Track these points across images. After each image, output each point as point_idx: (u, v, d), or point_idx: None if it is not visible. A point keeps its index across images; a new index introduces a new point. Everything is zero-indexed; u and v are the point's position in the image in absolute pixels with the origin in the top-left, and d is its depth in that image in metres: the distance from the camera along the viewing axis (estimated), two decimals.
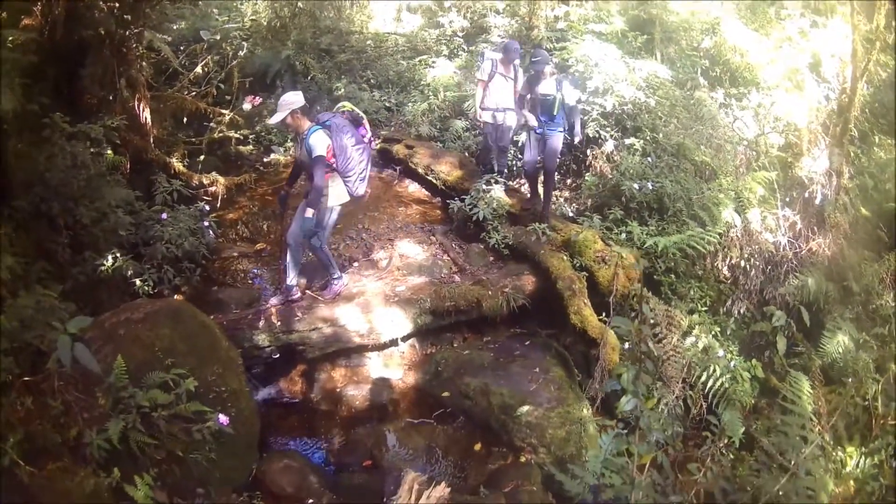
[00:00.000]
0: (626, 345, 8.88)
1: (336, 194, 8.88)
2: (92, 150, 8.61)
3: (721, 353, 10.07)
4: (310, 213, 8.53)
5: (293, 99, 8.53)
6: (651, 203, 11.36)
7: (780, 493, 4.88)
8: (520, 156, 11.76)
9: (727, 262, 11.67)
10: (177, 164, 11.45)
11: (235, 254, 10.79)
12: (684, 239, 9.96)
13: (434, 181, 12.94)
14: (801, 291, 11.49)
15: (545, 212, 10.66)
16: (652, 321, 9.39)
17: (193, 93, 12.94)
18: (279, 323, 8.75)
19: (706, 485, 5.31)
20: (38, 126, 7.85)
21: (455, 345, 9.85)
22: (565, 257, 10.03)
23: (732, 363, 10.02)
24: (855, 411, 9.03)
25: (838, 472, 7.50)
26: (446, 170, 12.75)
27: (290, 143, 13.85)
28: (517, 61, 11.50)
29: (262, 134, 14.63)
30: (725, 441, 8.66)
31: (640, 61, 14.10)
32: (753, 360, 10.38)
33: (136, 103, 10.38)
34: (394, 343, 9.41)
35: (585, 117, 12.50)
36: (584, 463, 5.27)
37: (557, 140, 10.63)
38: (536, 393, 8.47)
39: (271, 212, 11.73)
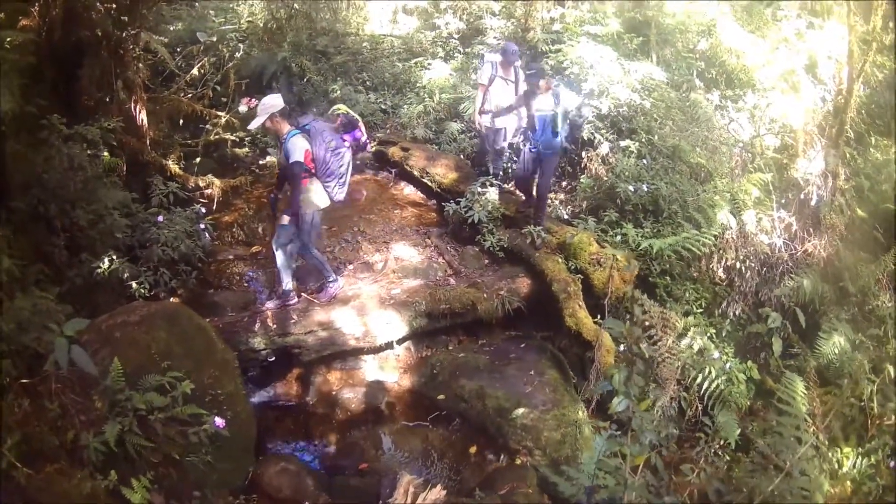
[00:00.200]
0: (622, 347, 8.89)
1: (315, 199, 8.83)
2: (89, 152, 8.62)
3: (716, 354, 10.07)
4: (285, 219, 8.54)
5: (272, 102, 8.49)
6: (646, 205, 11.37)
7: (775, 493, 4.89)
8: (515, 158, 11.71)
9: (723, 263, 11.69)
10: (173, 166, 11.44)
11: (231, 256, 10.80)
12: (679, 241, 10.05)
13: (429, 184, 12.94)
14: (797, 293, 11.53)
15: (539, 219, 10.60)
16: (647, 323, 9.40)
17: (190, 95, 12.95)
18: (275, 326, 8.77)
19: (700, 485, 5.32)
20: (36, 128, 7.86)
21: (450, 347, 9.87)
22: (560, 260, 10.06)
23: (728, 365, 10.03)
24: (851, 412, 9.05)
25: (835, 473, 7.51)
26: (442, 172, 12.75)
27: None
28: (517, 63, 11.45)
29: (258, 136, 14.59)
30: (721, 442, 8.67)
31: (635, 63, 14.09)
32: (749, 362, 10.40)
33: (133, 105, 10.38)
34: (389, 346, 9.44)
35: (581, 120, 12.52)
36: (579, 465, 5.28)
37: (552, 162, 10.54)
38: (532, 395, 8.49)
39: (266, 214, 11.71)
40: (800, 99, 14.72)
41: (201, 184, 11.88)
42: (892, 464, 7.54)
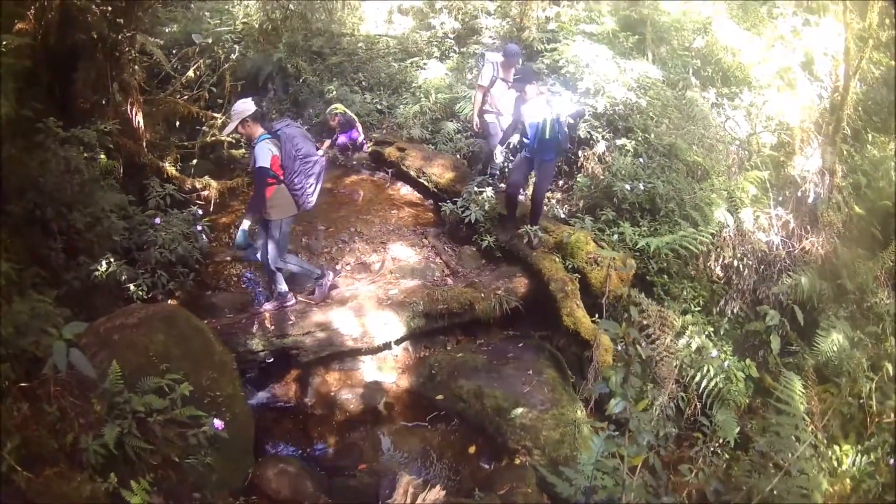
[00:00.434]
0: (620, 346, 8.89)
1: (282, 206, 8.69)
2: (85, 154, 8.60)
3: (715, 353, 10.08)
4: (245, 224, 8.48)
5: (243, 108, 8.39)
6: (643, 204, 11.38)
7: (774, 492, 4.90)
8: (512, 158, 11.67)
9: (720, 261, 11.70)
10: (169, 168, 11.44)
11: (229, 258, 10.78)
12: (676, 239, 10.05)
13: (426, 184, 12.94)
14: (795, 290, 11.55)
15: (534, 221, 10.51)
16: (644, 322, 9.41)
17: (186, 96, 12.92)
18: (273, 327, 8.76)
19: (699, 485, 5.33)
20: (32, 131, 7.84)
21: (448, 347, 9.86)
22: (557, 259, 10.05)
23: (726, 363, 10.03)
24: (850, 409, 9.06)
25: (834, 471, 7.52)
26: (438, 172, 12.75)
27: None
28: (518, 64, 11.38)
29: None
30: (720, 441, 8.68)
31: (631, 62, 14.09)
32: (747, 360, 10.39)
33: (129, 107, 10.37)
34: (387, 346, 9.43)
35: (577, 122, 12.52)
36: (578, 465, 5.28)
37: (549, 168, 10.34)
38: (530, 395, 8.48)
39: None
40: (796, 96, 14.75)
41: (198, 185, 11.89)
42: (891, 461, 7.55)
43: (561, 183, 13.27)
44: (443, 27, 19.11)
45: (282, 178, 8.51)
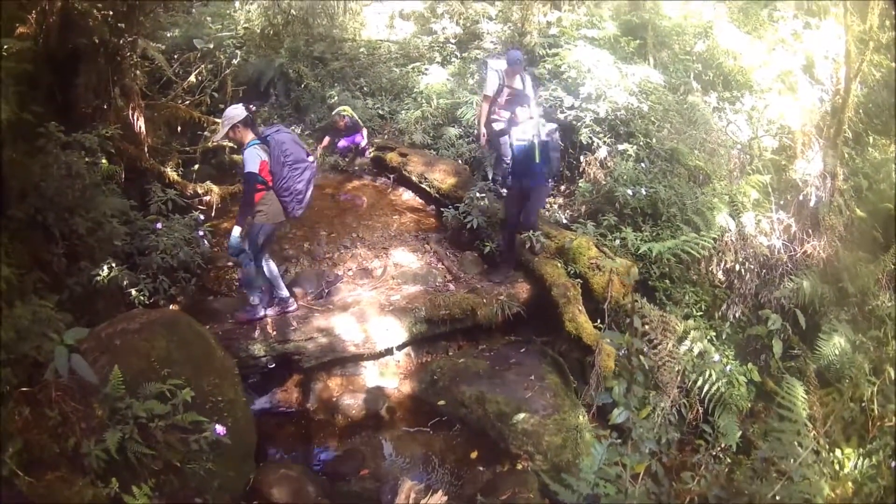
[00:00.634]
0: (622, 352, 8.88)
1: (270, 212, 8.61)
2: (87, 159, 8.56)
3: (717, 357, 10.06)
4: (236, 230, 8.46)
5: (233, 113, 8.36)
6: (645, 209, 11.37)
7: (776, 498, 4.89)
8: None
9: (722, 266, 11.68)
10: (171, 173, 11.43)
11: (230, 263, 10.77)
12: (679, 244, 10.03)
13: (428, 189, 12.96)
14: (797, 294, 11.53)
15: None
16: (646, 327, 9.40)
17: (187, 101, 12.92)
18: (274, 333, 8.77)
19: (701, 491, 5.32)
20: (33, 136, 7.83)
21: (450, 353, 9.86)
22: (559, 264, 10.05)
23: (728, 367, 10.02)
24: (852, 413, 9.05)
25: (836, 474, 7.50)
26: (440, 178, 12.75)
27: None
28: (522, 70, 11.30)
29: None
30: (722, 446, 8.67)
31: (632, 66, 14.11)
32: (749, 364, 10.38)
33: (131, 112, 10.36)
34: (389, 352, 9.43)
35: (578, 123, 12.48)
36: (580, 472, 5.27)
37: (540, 193, 10.25)
38: (532, 400, 8.48)
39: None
40: (797, 99, 14.75)
41: (200, 190, 11.89)
42: (893, 464, 7.53)
43: (563, 188, 13.28)
44: (444, 32, 19.13)
45: (270, 184, 8.46)
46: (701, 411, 9.68)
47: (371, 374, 9.32)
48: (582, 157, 12.86)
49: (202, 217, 10.69)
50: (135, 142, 10.60)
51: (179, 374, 6.50)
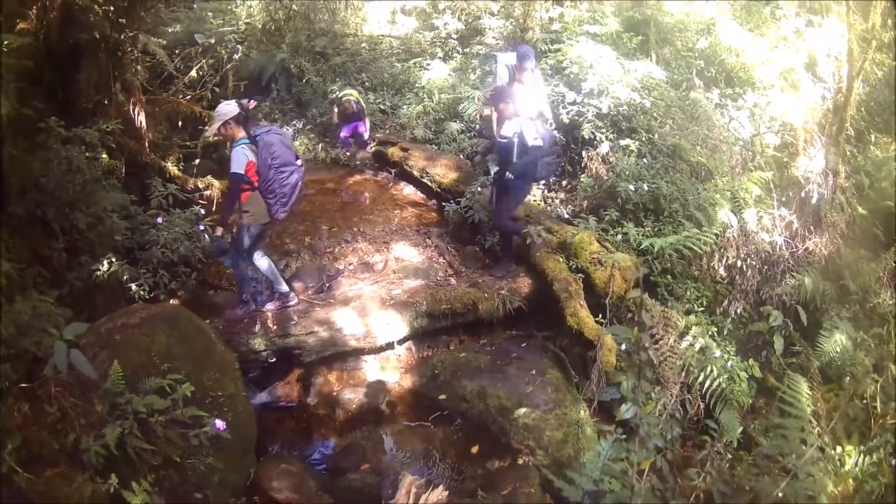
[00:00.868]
0: (623, 346, 8.86)
1: (256, 213, 8.59)
2: (87, 154, 8.58)
3: (718, 353, 10.05)
4: (220, 230, 8.44)
5: (225, 110, 8.33)
6: (647, 204, 11.35)
7: (780, 495, 4.87)
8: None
9: (723, 262, 11.67)
10: (172, 167, 11.42)
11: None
12: (680, 240, 10.03)
13: (429, 184, 12.96)
14: (798, 291, 11.52)
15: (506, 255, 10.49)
16: (648, 323, 9.39)
17: (188, 96, 12.89)
18: (275, 327, 8.76)
19: (706, 488, 5.30)
20: (34, 131, 7.82)
21: (451, 347, 9.84)
22: (561, 259, 10.02)
23: (729, 363, 10.00)
24: (853, 411, 9.04)
25: (837, 472, 7.50)
26: (441, 172, 12.76)
27: None
28: (531, 65, 11.00)
29: None
30: (724, 441, 8.66)
31: (635, 62, 14.09)
32: (751, 360, 10.37)
33: (132, 107, 10.36)
34: (390, 346, 9.41)
35: (580, 118, 12.45)
36: (583, 468, 5.26)
37: (511, 194, 10.16)
38: (533, 395, 8.45)
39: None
40: (799, 97, 14.74)
41: (200, 185, 11.88)
42: (894, 462, 7.52)
43: (564, 183, 13.27)
44: (446, 28, 19.14)
45: (256, 184, 8.42)
46: (702, 407, 9.68)
47: (372, 369, 9.30)
48: (584, 153, 12.88)
49: (203, 211, 10.65)
50: (136, 137, 10.59)
51: (180, 369, 6.47)
